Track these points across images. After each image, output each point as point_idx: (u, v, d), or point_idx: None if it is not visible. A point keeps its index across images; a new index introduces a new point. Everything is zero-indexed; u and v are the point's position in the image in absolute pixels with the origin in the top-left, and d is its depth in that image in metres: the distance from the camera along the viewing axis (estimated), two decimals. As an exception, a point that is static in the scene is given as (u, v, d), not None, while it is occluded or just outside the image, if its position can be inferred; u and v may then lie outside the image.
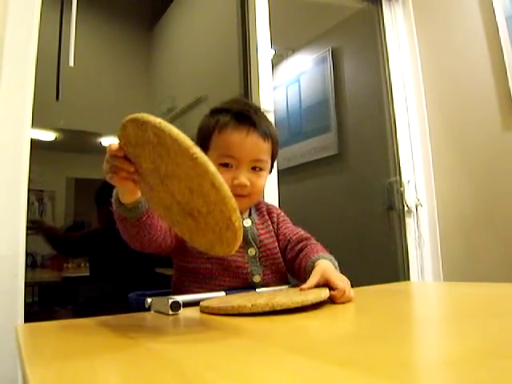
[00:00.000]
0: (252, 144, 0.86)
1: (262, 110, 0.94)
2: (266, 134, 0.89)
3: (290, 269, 0.93)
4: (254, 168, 0.87)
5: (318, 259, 0.81)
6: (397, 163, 2.06)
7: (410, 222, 2.00)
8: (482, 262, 1.74)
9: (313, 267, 0.79)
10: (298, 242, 0.92)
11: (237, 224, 0.50)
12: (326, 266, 0.78)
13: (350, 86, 2.36)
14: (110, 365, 0.39)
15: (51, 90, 1.82)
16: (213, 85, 2.36)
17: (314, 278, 0.74)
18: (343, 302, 0.69)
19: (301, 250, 0.89)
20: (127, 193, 0.65)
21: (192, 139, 0.48)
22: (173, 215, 0.57)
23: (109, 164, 0.57)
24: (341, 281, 0.72)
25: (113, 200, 0.69)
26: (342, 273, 0.78)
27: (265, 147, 0.89)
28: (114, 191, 0.68)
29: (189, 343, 0.47)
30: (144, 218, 0.70)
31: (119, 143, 0.55)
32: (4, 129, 1.16)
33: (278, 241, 0.95)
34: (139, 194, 0.64)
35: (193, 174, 0.49)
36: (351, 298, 0.71)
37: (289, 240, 0.94)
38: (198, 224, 0.54)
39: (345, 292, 0.70)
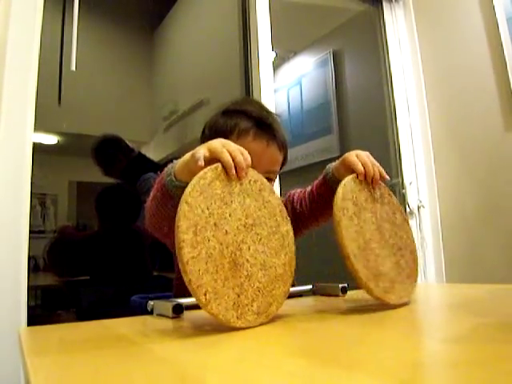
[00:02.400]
0: (271, 155, 0.86)
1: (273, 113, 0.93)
2: (283, 145, 0.89)
3: (310, 211, 0.90)
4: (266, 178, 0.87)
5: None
6: (399, 165, 2.06)
7: (412, 224, 2.00)
8: (485, 263, 1.73)
9: (330, 172, 0.82)
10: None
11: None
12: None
13: (352, 88, 2.36)
14: (113, 368, 0.39)
15: (53, 93, 1.83)
16: (214, 88, 2.36)
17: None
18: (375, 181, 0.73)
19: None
20: (192, 174, 0.61)
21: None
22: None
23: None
24: (359, 157, 0.73)
25: (165, 175, 0.66)
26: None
27: (279, 159, 0.89)
28: (171, 168, 0.65)
29: (191, 346, 0.47)
30: None
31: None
32: (6, 133, 1.17)
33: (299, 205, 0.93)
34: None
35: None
36: (378, 176, 0.73)
37: (301, 198, 0.94)
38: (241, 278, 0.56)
39: (369, 172, 0.71)
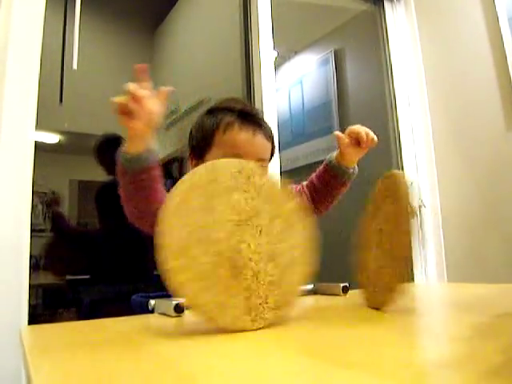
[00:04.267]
0: (259, 143, 0.87)
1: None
2: (270, 135, 0.90)
3: (311, 202, 0.99)
4: None
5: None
6: (400, 164, 2.06)
7: (413, 223, 1.99)
8: (486, 262, 1.73)
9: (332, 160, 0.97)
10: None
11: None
12: None
13: (353, 87, 2.36)
14: (114, 367, 0.39)
15: (55, 92, 1.83)
16: (215, 87, 2.36)
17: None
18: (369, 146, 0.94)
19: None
20: (136, 139, 0.66)
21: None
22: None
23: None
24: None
25: (119, 156, 0.70)
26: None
27: (268, 147, 0.90)
28: (121, 148, 0.70)
29: (193, 346, 0.47)
30: (143, 176, 0.68)
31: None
32: (8, 131, 1.17)
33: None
34: (147, 146, 0.67)
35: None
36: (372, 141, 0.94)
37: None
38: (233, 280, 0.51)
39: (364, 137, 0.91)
